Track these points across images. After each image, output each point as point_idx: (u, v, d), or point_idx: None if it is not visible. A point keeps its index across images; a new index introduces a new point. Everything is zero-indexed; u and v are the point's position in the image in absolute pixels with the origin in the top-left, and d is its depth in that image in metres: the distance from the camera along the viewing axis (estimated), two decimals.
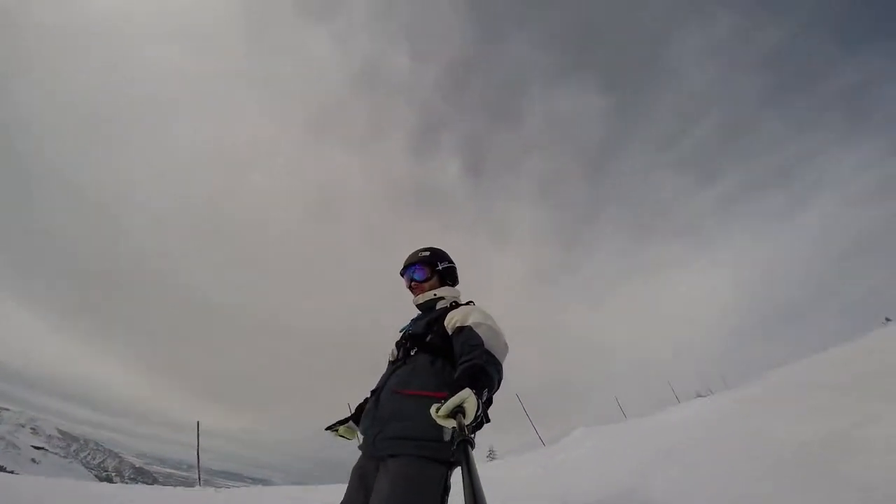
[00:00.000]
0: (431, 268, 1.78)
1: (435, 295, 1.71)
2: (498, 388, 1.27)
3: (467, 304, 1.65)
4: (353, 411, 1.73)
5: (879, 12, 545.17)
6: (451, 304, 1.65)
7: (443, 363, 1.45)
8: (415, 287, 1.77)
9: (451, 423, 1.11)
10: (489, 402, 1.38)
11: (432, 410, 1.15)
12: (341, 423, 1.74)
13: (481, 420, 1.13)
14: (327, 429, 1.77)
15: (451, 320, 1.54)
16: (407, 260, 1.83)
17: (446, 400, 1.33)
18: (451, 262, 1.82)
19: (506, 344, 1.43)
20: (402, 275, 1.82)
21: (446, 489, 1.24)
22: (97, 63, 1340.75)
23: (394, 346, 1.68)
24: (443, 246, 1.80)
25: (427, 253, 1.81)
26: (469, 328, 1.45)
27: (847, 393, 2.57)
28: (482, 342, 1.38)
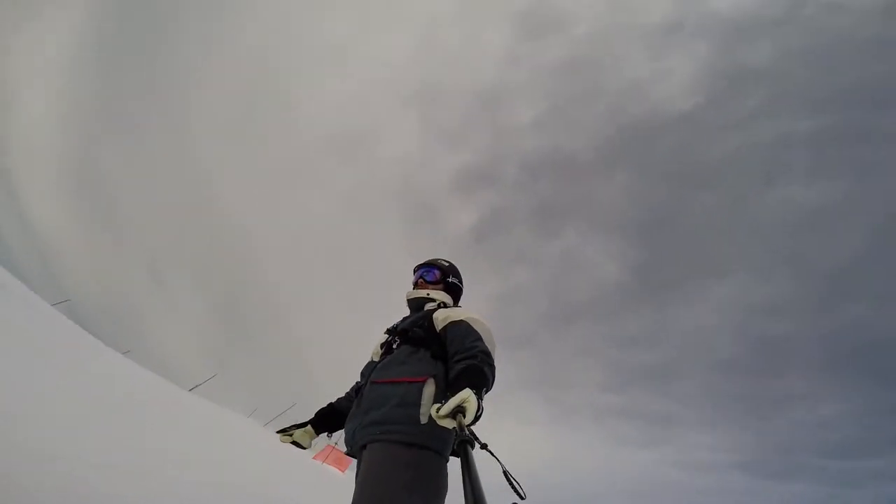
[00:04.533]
0: (444, 276, 1.86)
1: (427, 294, 1.74)
2: (491, 387, 1.27)
3: (456, 306, 1.72)
4: (313, 415, 1.68)
5: None
6: (439, 304, 1.69)
7: (424, 353, 1.45)
8: (419, 285, 1.82)
9: (451, 424, 1.08)
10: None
11: (432, 410, 1.12)
12: (298, 426, 1.68)
13: (481, 416, 1.11)
14: (279, 432, 1.69)
15: (442, 316, 1.53)
16: (426, 261, 1.92)
17: (428, 385, 1.32)
18: (461, 283, 1.89)
19: (494, 342, 1.45)
20: (414, 271, 1.90)
21: (418, 471, 1.18)
22: None
23: (377, 346, 1.67)
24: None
25: (446, 263, 1.90)
26: (465, 322, 1.44)
27: None
28: (479, 338, 1.37)
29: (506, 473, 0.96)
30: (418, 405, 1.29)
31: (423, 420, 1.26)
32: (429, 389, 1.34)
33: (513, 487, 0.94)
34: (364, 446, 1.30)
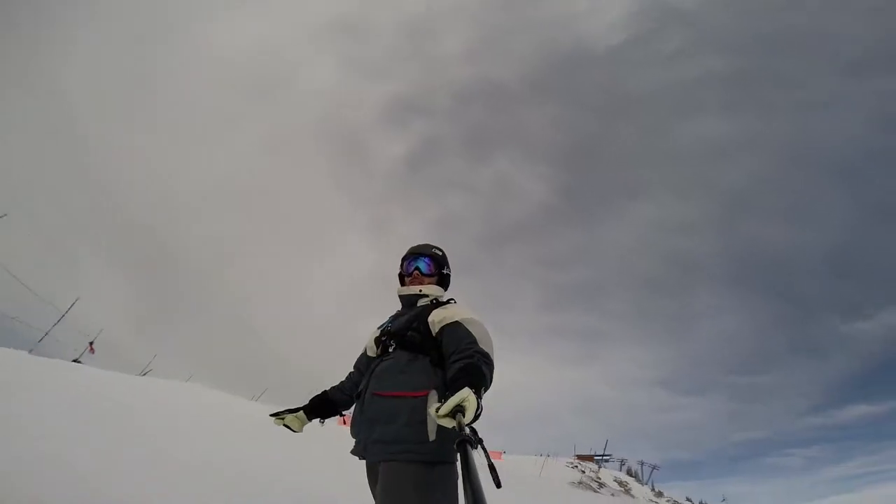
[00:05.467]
0: (439, 267, 1.77)
1: (420, 291, 1.67)
2: (489, 386, 1.26)
3: (448, 302, 1.64)
4: (307, 402, 1.75)
5: None
6: (432, 301, 1.63)
7: (422, 361, 1.43)
8: (414, 277, 1.72)
9: (451, 423, 1.07)
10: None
11: (431, 410, 1.11)
12: (291, 411, 1.73)
13: (481, 415, 1.10)
14: (273, 415, 1.75)
15: (437, 318, 1.49)
16: (416, 248, 1.79)
17: (430, 398, 1.29)
18: (450, 270, 1.83)
19: (491, 339, 1.43)
20: (403, 260, 1.80)
21: (435, 486, 1.25)
22: None
23: (372, 342, 1.65)
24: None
25: (440, 252, 1.79)
26: (460, 324, 1.42)
27: None
28: (475, 339, 1.35)
29: (491, 466, 0.98)
30: (425, 423, 1.29)
31: (432, 437, 1.27)
32: (432, 404, 1.29)
33: (493, 477, 0.99)
34: (379, 462, 1.36)
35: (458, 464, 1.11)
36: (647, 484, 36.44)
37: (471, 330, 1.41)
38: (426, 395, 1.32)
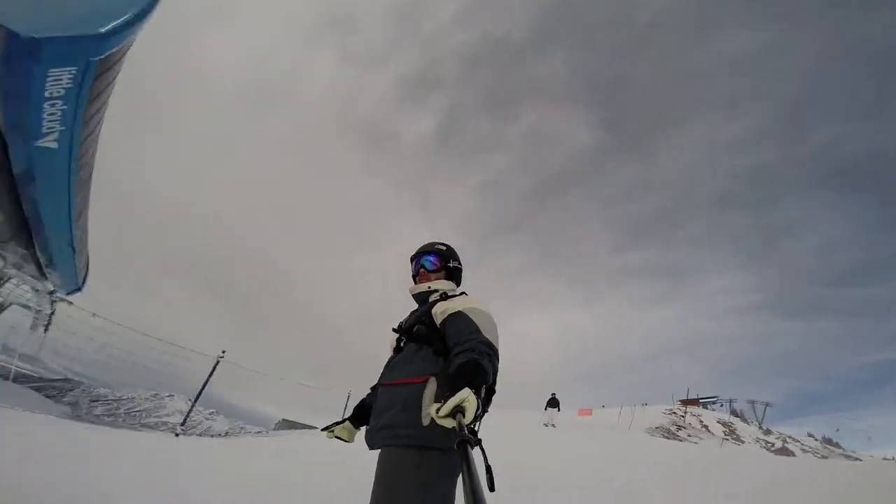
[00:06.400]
0: (444, 262, 1.78)
1: (429, 287, 1.70)
2: (496, 375, 1.26)
3: (457, 295, 1.64)
4: (352, 411, 1.78)
5: None
6: (441, 295, 1.63)
7: (426, 351, 1.46)
8: (421, 276, 1.77)
9: (451, 424, 1.08)
10: (492, 389, 1.42)
11: (432, 410, 1.12)
12: (338, 423, 1.79)
13: (481, 415, 1.12)
14: (324, 430, 1.82)
15: (440, 309, 1.50)
16: (421, 248, 1.84)
17: (428, 385, 1.33)
18: (460, 263, 1.82)
19: (496, 325, 1.43)
20: (411, 261, 1.84)
21: (424, 472, 1.24)
22: None
23: (393, 340, 1.70)
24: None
25: (443, 247, 1.82)
26: (461, 313, 1.41)
27: None
28: (478, 328, 1.34)
29: (487, 468, 1.00)
30: (419, 407, 1.32)
31: (426, 422, 1.28)
32: (429, 389, 1.35)
33: (488, 479, 0.98)
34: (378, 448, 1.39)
35: (457, 457, 1.14)
36: (757, 423, 34.05)
37: (473, 318, 1.39)
38: (425, 382, 1.36)
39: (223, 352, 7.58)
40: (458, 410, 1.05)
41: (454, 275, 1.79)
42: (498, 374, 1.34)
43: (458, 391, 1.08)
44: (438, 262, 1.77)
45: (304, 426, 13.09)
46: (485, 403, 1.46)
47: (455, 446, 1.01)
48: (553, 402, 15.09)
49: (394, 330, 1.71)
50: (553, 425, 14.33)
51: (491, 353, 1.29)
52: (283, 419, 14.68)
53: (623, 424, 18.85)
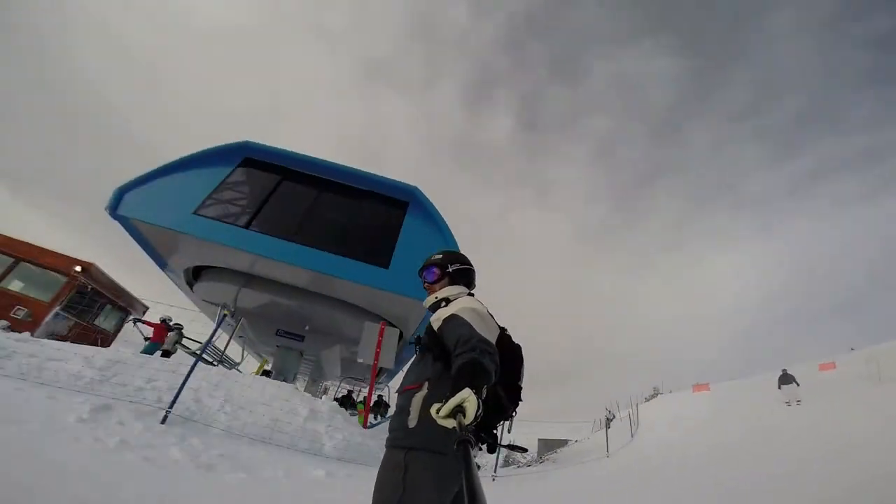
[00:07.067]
0: (442, 270, 1.83)
1: (437, 297, 1.75)
2: (496, 372, 1.28)
3: (457, 299, 1.67)
4: None
5: None
6: (444, 301, 1.68)
7: (426, 357, 1.53)
8: (429, 289, 1.84)
9: (451, 424, 1.09)
10: (518, 386, 1.55)
11: (432, 411, 1.13)
12: None
13: (481, 415, 1.11)
14: None
15: (437, 316, 1.56)
16: (421, 266, 1.91)
17: (421, 389, 1.40)
18: (464, 264, 1.86)
19: (496, 326, 1.52)
20: (420, 277, 1.91)
21: (407, 472, 1.29)
22: None
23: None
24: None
25: (439, 256, 1.89)
26: (455, 316, 1.45)
27: None
28: (472, 327, 1.37)
29: (508, 445, 1.19)
30: (409, 411, 1.40)
31: (412, 424, 1.35)
32: (420, 393, 1.43)
33: (515, 447, 1.09)
34: None
35: (456, 459, 1.18)
36: None
37: (466, 319, 1.44)
38: (420, 386, 1.44)
39: None
40: (459, 410, 1.07)
41: (458, 278, 1.84)
42: (495, 377, 1.34)
43: (458, 391, 1.09)
44: (438, 271, 1.83)
45: None
46: (514, 400, 1.56)
47: (455, 446, 1.03)
48: (786, 378, 13.17)
49: (411, 343, 1.78)
50: (798, 402, 12.60)
51: (491, 351, 1.31)
52: None
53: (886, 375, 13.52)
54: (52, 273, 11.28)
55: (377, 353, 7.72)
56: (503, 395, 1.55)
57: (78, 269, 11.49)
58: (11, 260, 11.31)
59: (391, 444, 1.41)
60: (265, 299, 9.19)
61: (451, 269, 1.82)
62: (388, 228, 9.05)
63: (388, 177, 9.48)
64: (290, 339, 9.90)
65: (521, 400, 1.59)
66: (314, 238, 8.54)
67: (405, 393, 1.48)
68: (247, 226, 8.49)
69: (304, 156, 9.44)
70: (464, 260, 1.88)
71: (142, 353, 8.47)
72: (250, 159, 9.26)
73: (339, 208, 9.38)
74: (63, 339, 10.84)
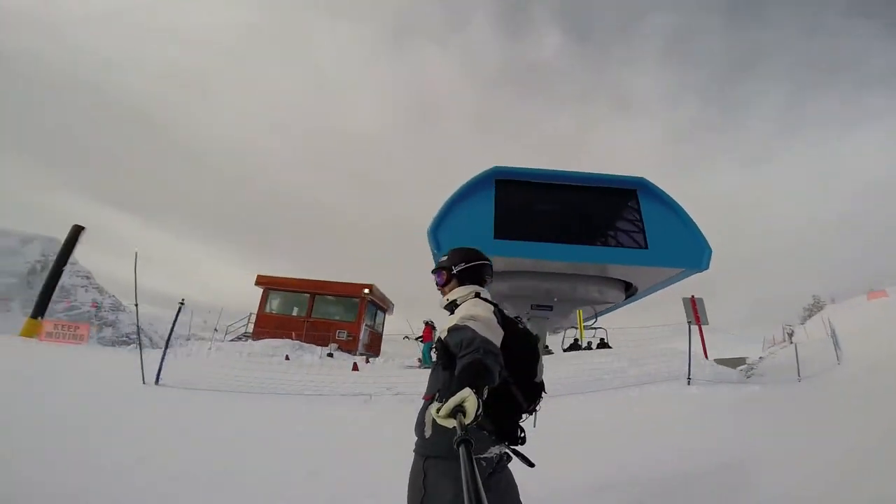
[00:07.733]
0: (448, 272, 1.86)
1: (448, 300, 1.80)
2: (500, 372, 1.20)
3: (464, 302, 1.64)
4: None
5: None
6: (455, 303, 1.70)
7: (438, 366, 1.56)
8: (440, 291, 1.90)
9: (451, 423, 1.09)
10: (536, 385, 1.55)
11: (432, 410, 1.16)
12: None
13: (481, 415, 1.07)
14: None
15: (443, 328, 1.53)
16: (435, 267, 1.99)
17: (433, 400, 1.32)
18: (469, 261, 1.86)
19: (498, 325, 1.42)
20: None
21: (424, 476, 1.42)
22: None
23: None
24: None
25: (445, 258, 1.92)
26: (456, 324, 1.40)
27: None
28: (472, 329, 1.32)
29: (514, 451, 1.33)
30: (423, 422, 1.47)
31: (427, 434, 1.38)
32: (433, 404, 1.44)
33: (522, 458, 1.33)
34: None
35: (461, 461, 1.14)
36: None
37: (467, 324, 1.40)
38: (431, 398, 1.52)
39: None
40: (459, 410, 1.07)
41: (464, 278, 1.85)
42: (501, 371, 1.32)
43: (458, 391, 1.09)
44: (444, 275, 1.87)
45: None
46: (534, 397, 1.55)
47: (455, 446, 1.03)
48: None
49: None
50: None
51: (495, 352, 1.30)
52: None
53: None
54: (346, 298, 15.40)
55: (697, 318, 9.17)
56: (517, 394, 1.53)
57: (367, 291, 15.47)
58: (308, 295, 15.69)
59: (414, 450, 1.56)
60: (524, 284, 11.12)
61: (455, 271, 1.84)
62: (630, 216, 10.49)
63: (611, 172, 11.07)
64: (542, 310, 11.73)
65: (544, 393, 1.60)
66: (581, 236, 10.33)
67: (424, 403, 1.59)
68: (537, 238, 10.05)
69: (540, 170, 11.04)
70: (470, 258, 1.87)
71: (422, 352, 11.59)
72: (501, 181, 10.68)
73: (584, 206, 10.91)
74: (368, 347, 14.83)
